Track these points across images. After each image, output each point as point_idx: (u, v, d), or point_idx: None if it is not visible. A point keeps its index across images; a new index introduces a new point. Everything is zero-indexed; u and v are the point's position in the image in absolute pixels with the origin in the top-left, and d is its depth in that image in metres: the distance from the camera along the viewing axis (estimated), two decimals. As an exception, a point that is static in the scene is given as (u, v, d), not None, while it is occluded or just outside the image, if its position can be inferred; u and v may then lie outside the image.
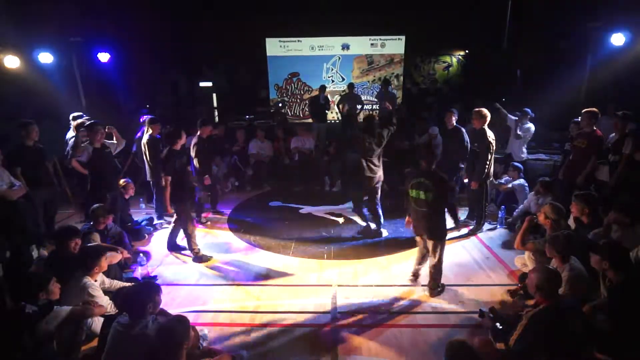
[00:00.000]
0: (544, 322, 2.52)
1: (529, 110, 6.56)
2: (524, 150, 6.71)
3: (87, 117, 5.77)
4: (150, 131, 5.74)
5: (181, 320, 2.45)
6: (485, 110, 5.08)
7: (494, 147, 5.10)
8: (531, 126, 6.55)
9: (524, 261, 4.17)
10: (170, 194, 4.62)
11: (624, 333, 2.69)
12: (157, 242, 5.30)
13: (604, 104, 6.33)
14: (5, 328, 2.58)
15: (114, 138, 5.55)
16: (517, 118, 6.59)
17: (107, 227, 4.48)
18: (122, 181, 5.52)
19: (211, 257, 4.85)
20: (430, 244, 3.85)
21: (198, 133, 5.69)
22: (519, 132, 6.51)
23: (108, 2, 8.46)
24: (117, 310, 3.17)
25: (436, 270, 3.91)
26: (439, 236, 3.82)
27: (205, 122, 5.74)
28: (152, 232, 5.59)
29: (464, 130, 5.83)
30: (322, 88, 9.39)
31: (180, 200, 4.68)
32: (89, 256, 3.39)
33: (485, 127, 5.07)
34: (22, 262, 4.14)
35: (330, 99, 10.37)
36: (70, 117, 5.76)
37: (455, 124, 5.88)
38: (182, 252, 5.04)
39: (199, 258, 4.77)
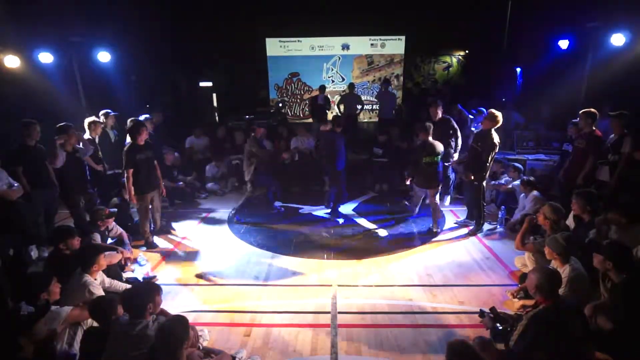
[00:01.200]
0: (544, 323, 2.52)
1: (483, 109, 6.60)
2: None
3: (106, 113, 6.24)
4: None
5: (180, 320, 2.45)
6: (497, 113, 4.98)
7: (497, 150, 5.09)
8: None
9: (524, 261, 4.17)
10: (134, 185, 4.87)
11: (625, 333, 2.69)
12: (158, 242, 5.29)
13: (604, 104, 6.33)
14: (2, 329, 2.57)
15: (81, 144, 5.66)
16: (472, 117, 6.97)
17: (107, 227, 4.48)
18: (122, 180, 5.51)
19: (157, 245, 5.19)
20: (432, 192, 5.41)
21: (252, 135, 5.97)
22: (472, 128, 6.78)
23: (108, 2, 8.46)
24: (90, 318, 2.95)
25: (436, 208, 5.51)
26: (438, 186, 5.44)
27: (259, 124, 6.25)
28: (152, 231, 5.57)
29: (452, 119, 6.00)
30: (322, 88, 9.40)
31: (142, 191, 4.94)
32: (87, 254, 3.39)
33: (492, 129, 5.01)
34: (22, 262, 4.14)
35: (330, 99, 10.37)
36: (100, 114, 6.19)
37: (441, 115, 5.92)
38: (179, 254, 5.06)
39: (149, 244, 5.13)
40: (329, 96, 10.17)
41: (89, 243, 3.97)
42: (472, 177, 5.20)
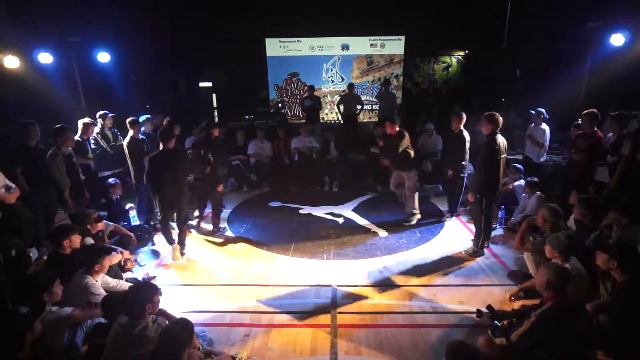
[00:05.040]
0: (552, 320, 2.53)
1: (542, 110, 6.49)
2: None
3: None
4: (131, 132, 5.69)
5: (184, 323, 2.44)
6: (495, 114, 4.55)
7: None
8: None
9: (523, 261, 4.17)
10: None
11: (627, 333, 2.70)
12: (158, 241, 5.29)
13: (604, 104, 6.33)
14: (2, 329, 2.57)
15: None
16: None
17: (102, 230, 4.46)
18: (110, 180, 5.51)
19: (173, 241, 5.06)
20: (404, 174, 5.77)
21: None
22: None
23: (108, 2, 8.46)
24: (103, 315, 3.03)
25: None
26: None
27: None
28: (151, 231, 5.57)
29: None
30: (311, 88, 9.36)
31: None
32: (92, 255, 3.38)
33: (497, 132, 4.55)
34: (22, 263, 4.12)
35: (330, 99, 10.37)
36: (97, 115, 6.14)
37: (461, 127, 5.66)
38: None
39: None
40: (321, 97, 10.13)
41: (94, 244, 3.95)
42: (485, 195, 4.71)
